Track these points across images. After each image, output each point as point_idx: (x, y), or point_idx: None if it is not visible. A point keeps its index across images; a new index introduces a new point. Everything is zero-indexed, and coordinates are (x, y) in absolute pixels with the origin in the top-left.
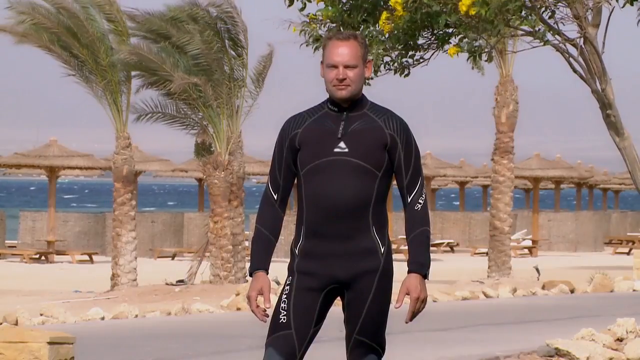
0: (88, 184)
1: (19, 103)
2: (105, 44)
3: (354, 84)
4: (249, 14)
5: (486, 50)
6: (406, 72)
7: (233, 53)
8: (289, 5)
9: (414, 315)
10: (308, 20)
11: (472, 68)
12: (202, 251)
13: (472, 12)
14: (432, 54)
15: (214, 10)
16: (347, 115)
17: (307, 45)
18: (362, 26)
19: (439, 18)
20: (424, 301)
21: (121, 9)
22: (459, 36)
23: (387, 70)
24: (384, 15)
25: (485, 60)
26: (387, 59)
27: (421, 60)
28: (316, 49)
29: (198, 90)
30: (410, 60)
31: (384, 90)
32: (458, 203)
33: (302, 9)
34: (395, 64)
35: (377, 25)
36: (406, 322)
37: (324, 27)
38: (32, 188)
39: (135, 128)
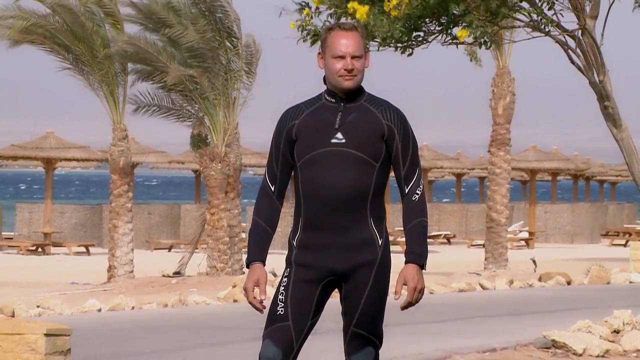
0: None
1: (16, 94)
2: (102, 37)
3: (360, 74)
4: (244, 5)
5: (491, 38)
6: (409, 52)
7: (228, 44)
8: None
9: (411, 304)
10: (301, 5)
11: (470, 60)
12: (194, 242)
13: None
14: (434, 37)
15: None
16: (344, 106)
17: (304, 41)
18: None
19: (450, 6)
20: (422, 291)
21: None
22: (462, 25)
23: (387, 47)
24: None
25: (488, 48)
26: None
27: (423, 42)
28: (313, 42)
29: (194, 82)
30: (413, 41)
31: (382, 81)
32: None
33: None
34: (399, 43)
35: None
36: (401, 309)
37: (317, 16)
38: (28, 178)
39: (132, 120)
